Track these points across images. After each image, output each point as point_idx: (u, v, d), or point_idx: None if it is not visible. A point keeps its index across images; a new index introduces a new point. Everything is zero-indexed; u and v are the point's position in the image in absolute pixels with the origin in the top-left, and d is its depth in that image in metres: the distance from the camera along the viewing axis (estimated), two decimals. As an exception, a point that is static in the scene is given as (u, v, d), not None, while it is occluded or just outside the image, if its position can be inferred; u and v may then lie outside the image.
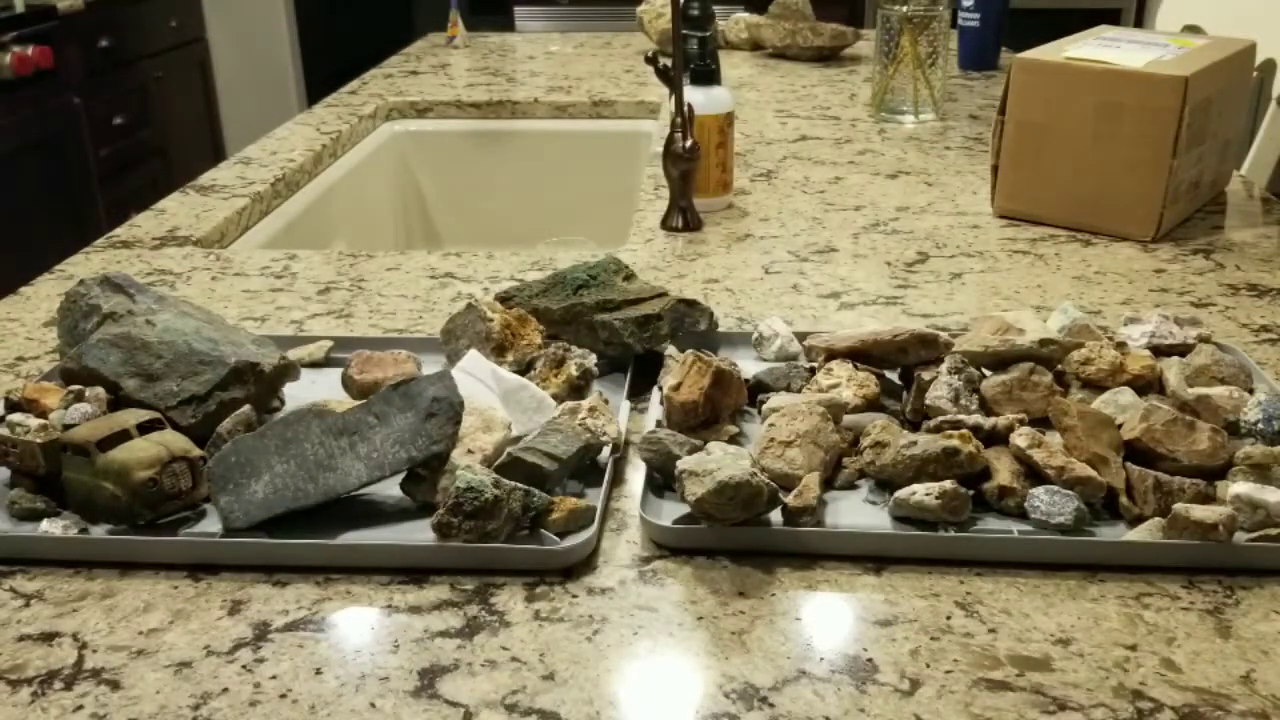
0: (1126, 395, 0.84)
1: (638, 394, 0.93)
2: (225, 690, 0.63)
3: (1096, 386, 0.87)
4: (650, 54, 1.30)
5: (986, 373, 0.88)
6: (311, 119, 1.90)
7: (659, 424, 0.86)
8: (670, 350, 0.92)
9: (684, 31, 1.71)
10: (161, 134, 3.78)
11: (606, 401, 0.86)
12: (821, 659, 0.64)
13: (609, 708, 0.61)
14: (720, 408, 0.85)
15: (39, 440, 0.78)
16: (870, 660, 0.64)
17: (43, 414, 0.84)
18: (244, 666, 0.64)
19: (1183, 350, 0.94)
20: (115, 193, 3.47)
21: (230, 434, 0.80)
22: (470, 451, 0.79)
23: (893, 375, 0.91)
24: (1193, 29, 1.90)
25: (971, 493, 0.76)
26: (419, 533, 0.75)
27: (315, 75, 4.38)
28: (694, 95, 1.33)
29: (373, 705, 0.61)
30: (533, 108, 2.02)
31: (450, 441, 0.78)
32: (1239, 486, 0.73)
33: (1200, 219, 1.35)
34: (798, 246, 1.28)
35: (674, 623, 0.67)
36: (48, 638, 0.67)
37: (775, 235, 1.32)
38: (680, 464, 0.74)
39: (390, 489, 0.80)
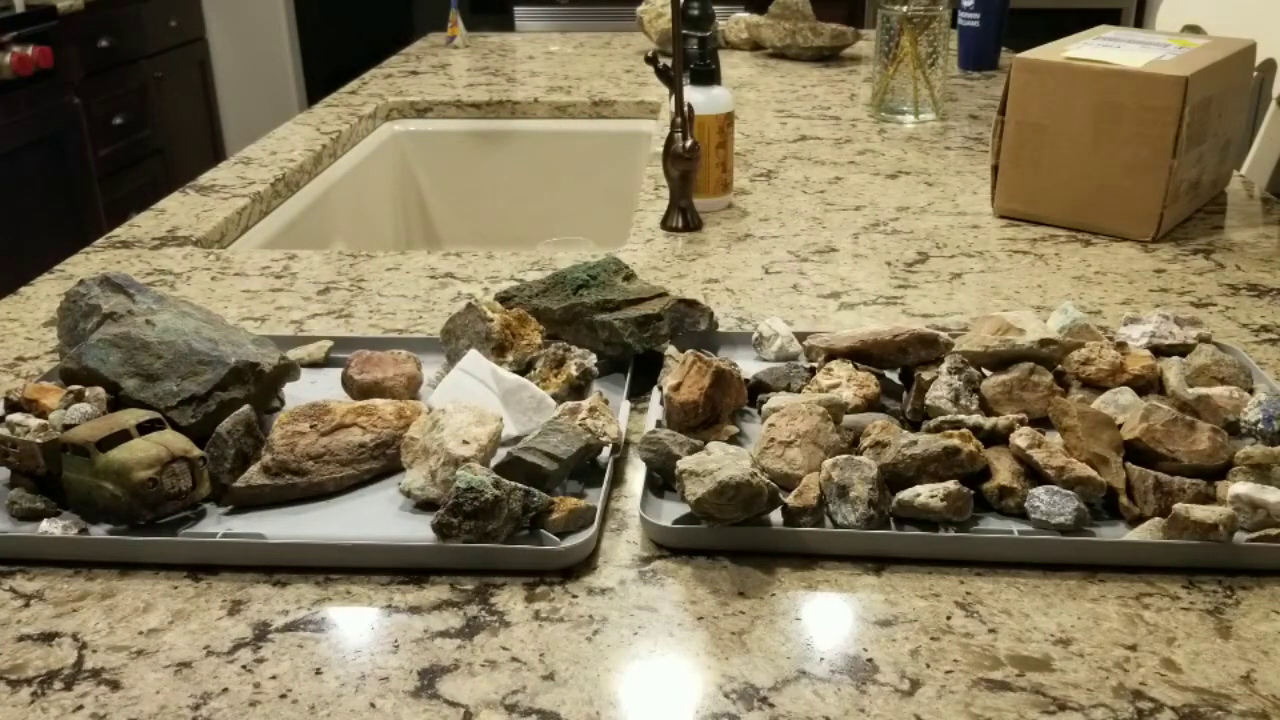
0: (1126, 395, 0.84)
1: (638, 394, 0.93)
2: (225, 690, 0.63)
3: (1096, 386, 0.87)
4: (650, 54, 1.30)
5: (986, 373, 0.88)
6: (311, 119, 1.90)
7: (659, 424, 0.85)
8: (670, 350, 0.92)
9: (684, 31, 1.71)
10: (161, 134, 3.78)
11: (606, 401, 0.86)
12: (821, 659, 0.64)
13: (609, 708, 0.61)
14: (720, 408, 0.85)
15: (39, 440, 0.78)
16: (870, 660, 0.64)
17: (43, 414, 0.84)
18: (244, 666, 0.64)
19: (1183, 350, 0.94)
20: (115, 193, 3.47)
21: (230, 434, 0.80)
22: (466, 442, 0.79)
23: (893, 375, 0.91)
24: (1193, 29, 1.90)
25: (972, 493, 0.76)
26: (419, 533, 0.75)
27: (315, 75, 4.38)
28: (694, 95, 1.33)
29: (373, 705, 0.61)
30: (533, 108, 2.01)
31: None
32: (1239, 486, 0.73)
33: (1200, 219, 1.35)
34: (798, 246, 1.28)
35: (674, 623, 0.67)
36: (48, 638, 0.67)
37: (775, 235, 1.31)
38: (680, 464, 0.74)
39: (390, 488, 0.80)
